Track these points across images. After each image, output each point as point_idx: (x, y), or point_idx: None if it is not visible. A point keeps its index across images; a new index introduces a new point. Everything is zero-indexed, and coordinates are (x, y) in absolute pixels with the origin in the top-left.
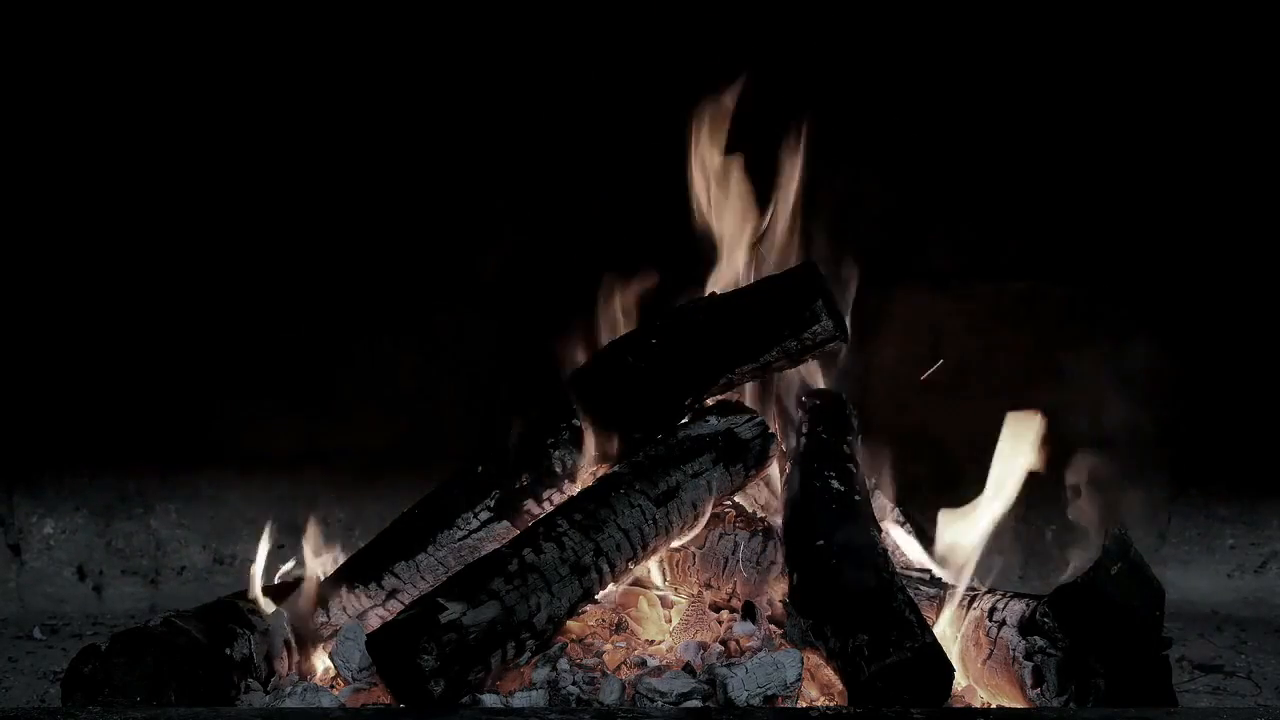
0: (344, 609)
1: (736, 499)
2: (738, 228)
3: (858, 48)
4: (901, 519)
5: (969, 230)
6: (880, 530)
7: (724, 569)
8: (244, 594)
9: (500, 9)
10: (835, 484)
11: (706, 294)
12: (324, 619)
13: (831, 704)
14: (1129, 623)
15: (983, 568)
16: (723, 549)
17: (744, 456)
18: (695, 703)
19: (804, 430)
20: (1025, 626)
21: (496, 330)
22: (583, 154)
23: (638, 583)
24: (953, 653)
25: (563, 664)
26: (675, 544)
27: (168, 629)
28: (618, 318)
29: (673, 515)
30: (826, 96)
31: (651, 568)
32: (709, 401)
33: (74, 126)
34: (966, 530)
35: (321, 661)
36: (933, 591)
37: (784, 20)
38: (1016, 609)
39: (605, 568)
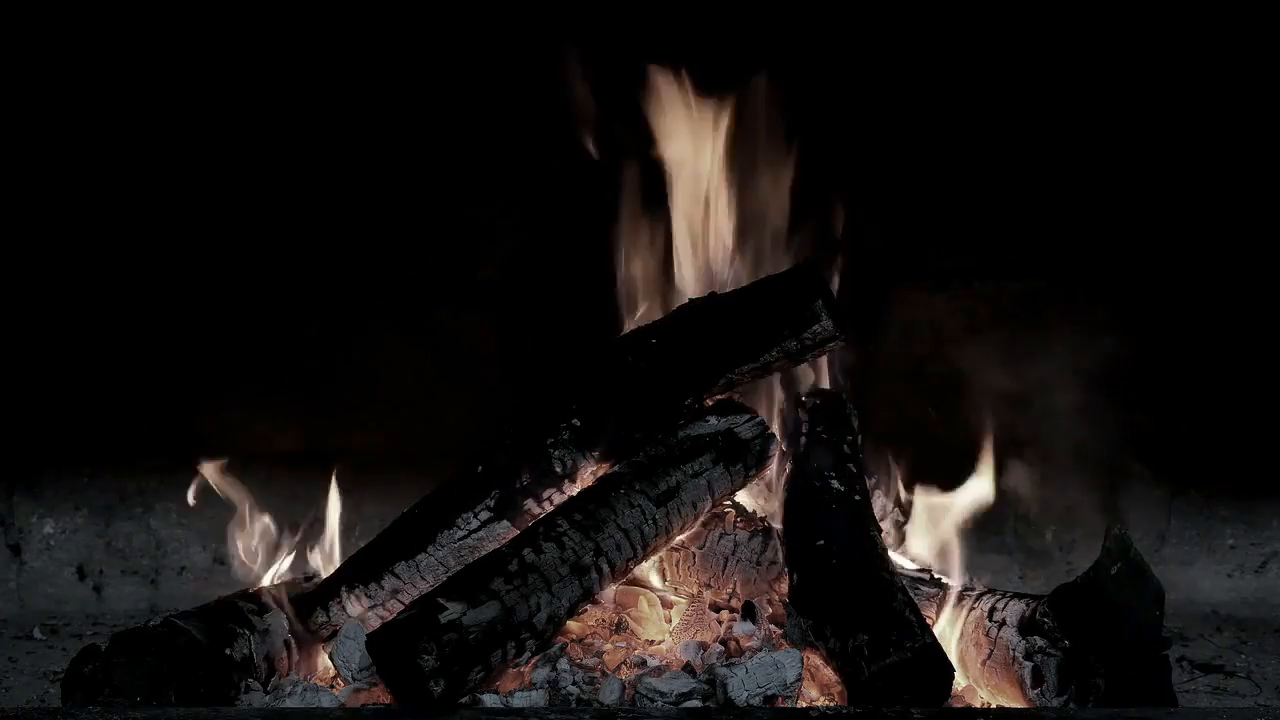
0: (344, 609)
1: (736, 499)
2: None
3: (860, 49)
4: (901, 519)
5: (969, 230)
6: (880, 530)
7: (724, 569)
8: (244, 594)
9: (499, 15)
10: (835, 484)
11: (707, 293)
12: (324, 619)
13: (831, 704)
14: (1129, 623)
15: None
16: (723, 549)
17: (744, 456)
18: (695, 703)
19: (804, 430)
20: (1025, 626)
21: (496, 330)
22: (581, 155)
23: (638, 583)
24: (953, 653)
25: (563, 664)
26: (675, 544)
27: (168, 629)
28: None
29: (673, 515)
30: (827, 96)
31: (651, 568)
32: (709, 401)
33: (76, 135)
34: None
35: (321, 661)
36: (933, 591)
37: (786, 20)
38: (1016, 609)
39: (605, 568)
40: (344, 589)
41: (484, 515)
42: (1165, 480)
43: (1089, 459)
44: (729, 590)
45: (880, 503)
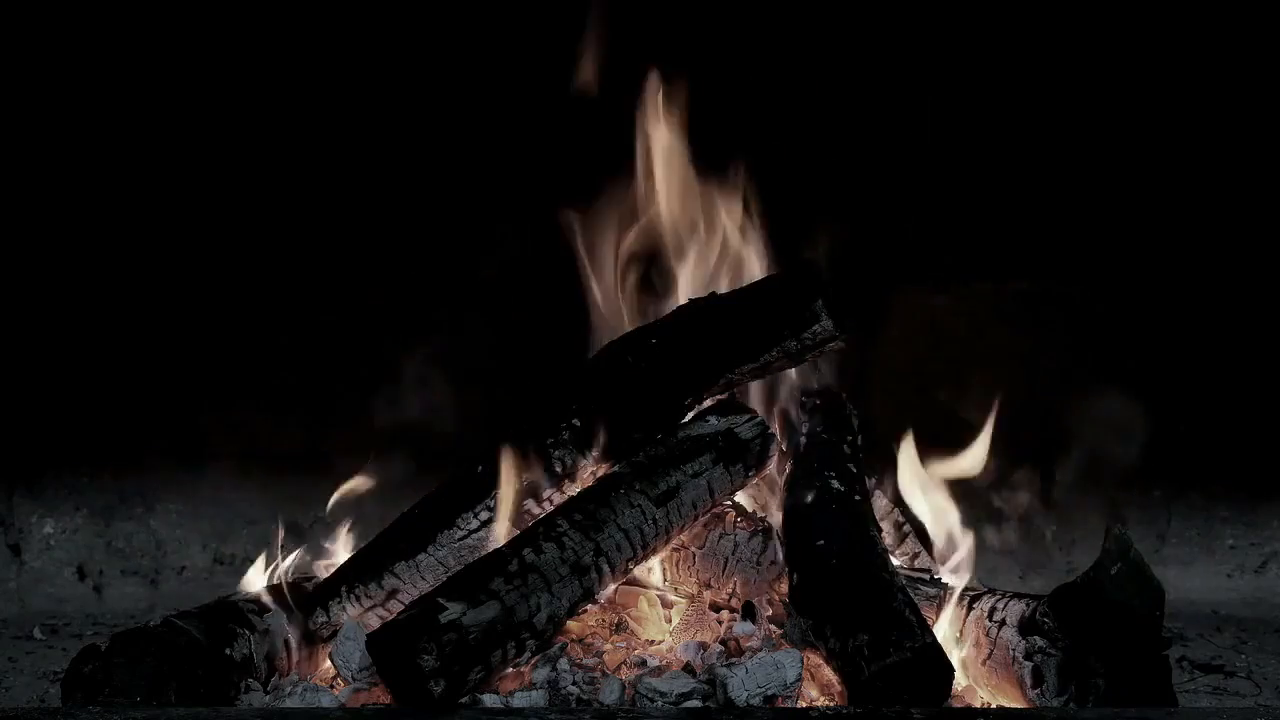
0: (344, 609)
1: (736, 499)
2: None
3: (859, 44)
4: (901, 519)
5: (969, 230)
6: (880, 530)
7: (724, 569)
8: (244, 594)
9: (499, 24)
10: (835, 484)
11: (706, 293)
12: (324, 619)
13: (831, 704)
14: (1129, 623)
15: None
16: (723, 549)
17: (744, 456)
18: (695, 703)
19: (804, 430)
20: (1025, 626)
21: (496, 330)
22: (581, 154)
23: (638, 583)
24: (953, 653)
25: (563, 664)
26: (675, 544)
27: (168, 629)
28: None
29: (672, 515)
30: (826, 95)
31: (652, 568)
32: (709, 401)
33: (81, 139)
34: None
35: (322, 661)
36: (933, 591)
37: (783, 13)
38: (1016, 609)
39: (605, 568)
40: (344, 589)
41: (484, 515)
42: (1165, 480)
43: (1089, 459)
44: (729, 590)
45: (880, 503)
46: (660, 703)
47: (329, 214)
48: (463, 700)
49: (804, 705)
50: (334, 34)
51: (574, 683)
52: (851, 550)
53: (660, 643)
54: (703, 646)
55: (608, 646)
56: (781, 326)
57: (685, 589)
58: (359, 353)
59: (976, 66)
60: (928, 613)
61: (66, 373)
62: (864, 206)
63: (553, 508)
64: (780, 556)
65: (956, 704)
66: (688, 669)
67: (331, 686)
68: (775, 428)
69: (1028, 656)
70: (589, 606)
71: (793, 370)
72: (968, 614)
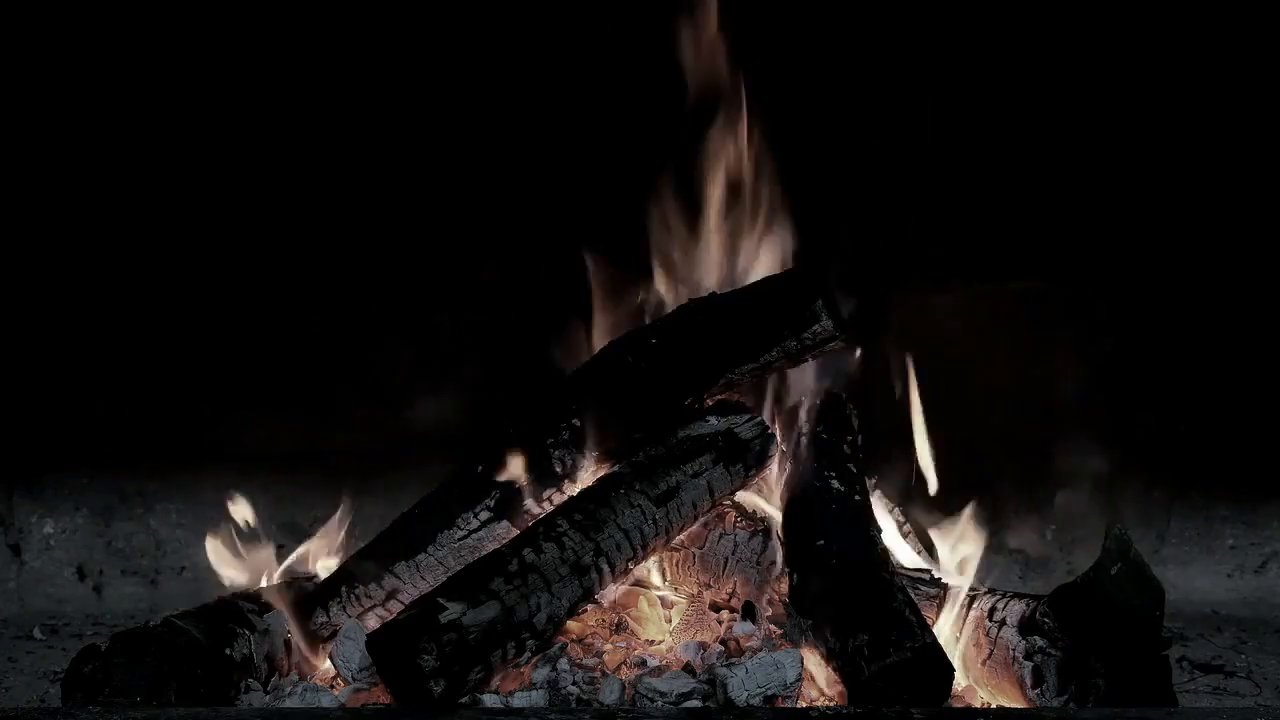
0: (344, 609)
1: (736, 499)
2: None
3: (859, 44)
4: (901, 519)
5: (969, 230)
6: (880, 530)
7: (724, 569)
8: (244, 594)
9: (500, 28)
10: (835, 484)
11: (707, 294)
12: (324, 619)
13: (831, 704)
14: (1129, 623)
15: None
16: (723, 549)
17: (744, 456)
18: (695, 703)
19: (804, 430)
20: (1025, 626)
21: (496, 330)
22: (581, 154)
23: (638, 583)
24: (953, 653)
25: (563, 664)
26: (675, 544)
27: (168, 629)
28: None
29: (672, 515)
30: (826, 94)
31: (651, 568)
32: (709, 401)
33: (82, 143)
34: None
35: (322, 661)
36: (933, 591)
37: (782, 13)
38: (1016, 609)
39: (605, 567)
40: (344, 589)
41: (484, 515)
42: (1165, 480)
43: (1089, 459)
44: (729, 590)
45: (880, 503)
46: (660, 703)
47: (330, 216)
48: (463, 700)
49: (804, 705)
50: (339, 37)
51: (574, 683)
52: (851, 550)
53: (660, 643)
54: (703, 646)
55: (608, 646)
56: (781, 326)
57: (685, 589)
58: (359, 353)
59: (976, 66)
60: (928, 613)
61: (67, 373)
62: (864, 206)
63: (553, 508)
64: (780, 556)
65: (956, 704)
66: (688, 669)
67: (331, 686)
68: (775, 428)
69: (1028, 656)
70: (589, 606)
71: (794, 370)
72: (968, 614)
